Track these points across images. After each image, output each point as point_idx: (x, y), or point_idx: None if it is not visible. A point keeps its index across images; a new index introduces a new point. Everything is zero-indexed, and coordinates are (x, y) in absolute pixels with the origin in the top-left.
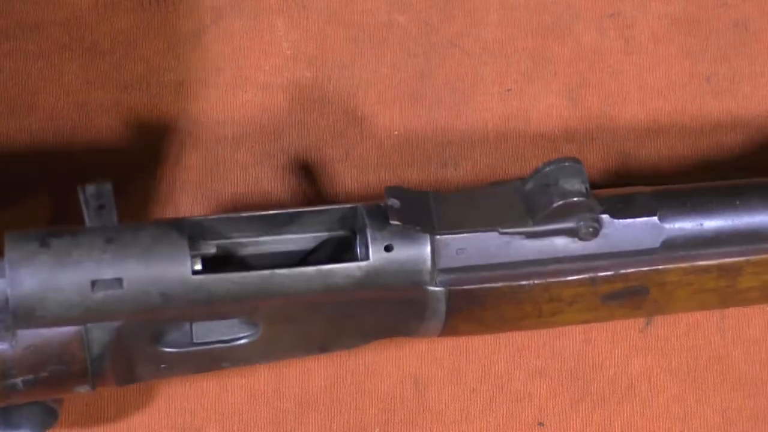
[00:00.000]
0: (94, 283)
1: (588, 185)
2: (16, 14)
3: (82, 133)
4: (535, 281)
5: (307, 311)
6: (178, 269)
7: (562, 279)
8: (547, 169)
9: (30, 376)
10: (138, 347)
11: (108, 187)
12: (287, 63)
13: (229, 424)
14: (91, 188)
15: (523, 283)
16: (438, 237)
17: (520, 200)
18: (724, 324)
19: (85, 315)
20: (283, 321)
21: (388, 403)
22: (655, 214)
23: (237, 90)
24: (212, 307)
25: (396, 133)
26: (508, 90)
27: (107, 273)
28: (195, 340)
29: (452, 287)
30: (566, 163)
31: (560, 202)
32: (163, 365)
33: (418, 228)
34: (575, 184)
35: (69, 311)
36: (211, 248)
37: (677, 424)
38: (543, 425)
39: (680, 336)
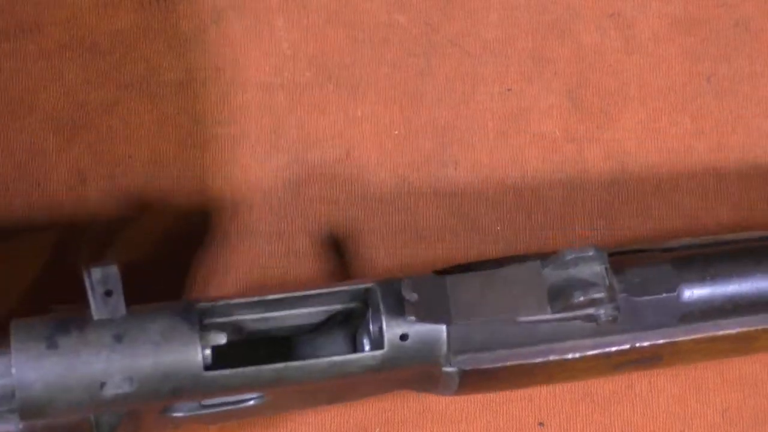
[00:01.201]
0: (103, 384)
1: (609, 270)
2: (16, 14)
3: (82, 133)
4: (550, 358)
5: (318, 387)
6: (190, 366)
7: (578, 355)
8: (569, 257)
9: None
10: (147, 419)
11: (114, 270)
12: (287, 63)
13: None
14: (96, 272)
15: (538, 361)
16: (454, 325)
17: (538, 286)
18: None
19: (94, 410)
20: (293, 391)
21: (388, 403)
22: (674, 291)
23: (237, 90)
24: (224, 395)
25: (396, 133)
26: (508, 90)
27: (117, 374)
28: (203, 403)
29: (466, 368)
30: (589, 253)
31: (581, 298)
32: (170, 425)
33: (435, 323)
34: (596, 272)
35: (77, 409)
36: (221, 339)
37: (677, 424)
38: (543, 425)
39: None
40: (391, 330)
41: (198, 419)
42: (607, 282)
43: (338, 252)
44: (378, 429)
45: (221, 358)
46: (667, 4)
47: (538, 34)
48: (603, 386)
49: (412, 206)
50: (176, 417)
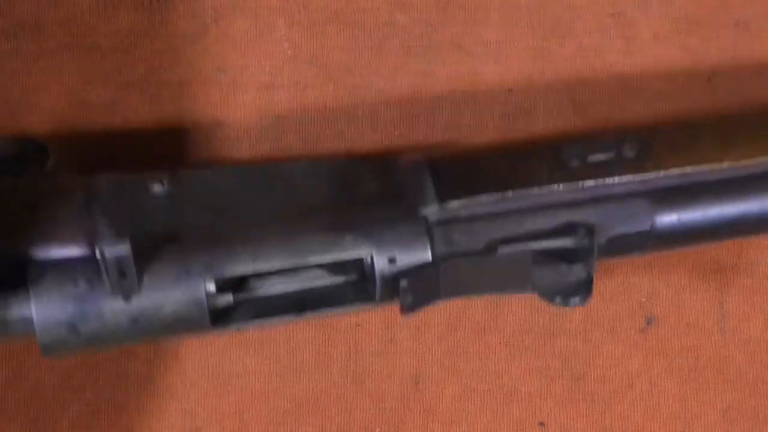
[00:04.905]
0: None
1: None
2: (16, 14)
3: (82, 132)
4: None
5: None
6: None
7: None
8: None
9: None
10: None
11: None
12: (288, 63)
13: (230, 424)
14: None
15: None
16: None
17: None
18: (724, 324)
19: None
20: None
21: (388, 403)
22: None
23: (238, 90)
24: None
25: (397, 133)
26: (509, 90)
27: None
28: None
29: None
30: None
31: None
32: None
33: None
34: None
35: None
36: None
37: (678, 423)
38: (543, 425)
39: (680, 336)
40: None
41: None
42: None
43: None
44: (378, 429)
45: None
46: (667, 4)
47: (538, 34)
48: (603, 386)
49: None
50: None
